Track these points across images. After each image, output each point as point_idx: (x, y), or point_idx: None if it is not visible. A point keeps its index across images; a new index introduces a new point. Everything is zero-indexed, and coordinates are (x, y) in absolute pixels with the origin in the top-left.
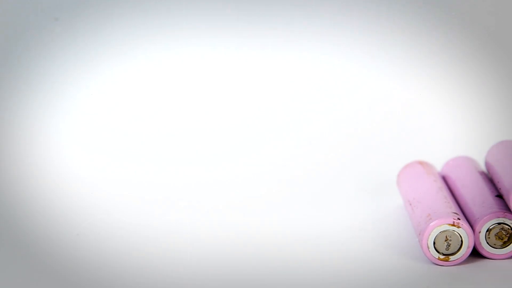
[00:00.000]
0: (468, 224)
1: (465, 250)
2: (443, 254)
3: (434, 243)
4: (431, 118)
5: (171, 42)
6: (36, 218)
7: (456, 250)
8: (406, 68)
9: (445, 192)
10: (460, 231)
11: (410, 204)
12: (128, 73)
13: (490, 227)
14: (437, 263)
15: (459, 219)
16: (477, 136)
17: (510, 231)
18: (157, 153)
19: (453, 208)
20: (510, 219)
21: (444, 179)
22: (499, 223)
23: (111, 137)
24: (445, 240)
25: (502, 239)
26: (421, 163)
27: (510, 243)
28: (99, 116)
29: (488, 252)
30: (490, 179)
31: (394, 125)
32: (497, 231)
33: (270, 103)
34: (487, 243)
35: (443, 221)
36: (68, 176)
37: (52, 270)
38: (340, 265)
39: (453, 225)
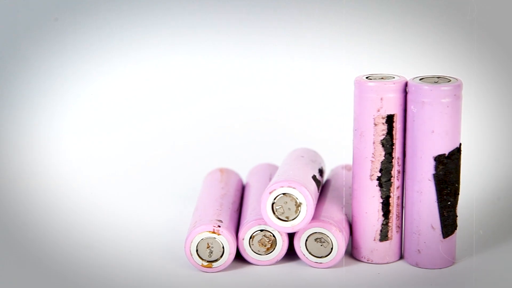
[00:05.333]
0: (231, 231)
1: (227, 257)
2: (207, 261)
3: (197, 250)
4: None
5: (172, 43)
6: (35, 218)
7: (218, 256)
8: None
9: (228, 200)
10: (221, 238)
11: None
12: (129, 73)
13: (253, 234)
14: (201, 269)
15: (219, 226)
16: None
17: (272, 238)
18: (158, 153)
19: (222, 215)
20: (271, 226)
21: (245, 186)
22: (261, 230)
23: (112, 137)
24: (208, 247)
25: (265, 246)
26: (221, 170)
27: (274, 250)
28: (99, 116)
29: (253, 258)
30: None
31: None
32: (260, 238)
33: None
34: (252, 249)
35: (203, 228)
36: (68, 176)
37: (52, 270)
38: (110, 268)
39: (213, 232)
